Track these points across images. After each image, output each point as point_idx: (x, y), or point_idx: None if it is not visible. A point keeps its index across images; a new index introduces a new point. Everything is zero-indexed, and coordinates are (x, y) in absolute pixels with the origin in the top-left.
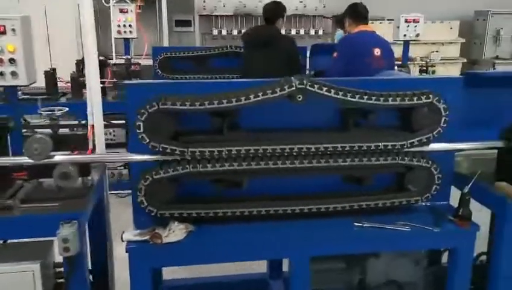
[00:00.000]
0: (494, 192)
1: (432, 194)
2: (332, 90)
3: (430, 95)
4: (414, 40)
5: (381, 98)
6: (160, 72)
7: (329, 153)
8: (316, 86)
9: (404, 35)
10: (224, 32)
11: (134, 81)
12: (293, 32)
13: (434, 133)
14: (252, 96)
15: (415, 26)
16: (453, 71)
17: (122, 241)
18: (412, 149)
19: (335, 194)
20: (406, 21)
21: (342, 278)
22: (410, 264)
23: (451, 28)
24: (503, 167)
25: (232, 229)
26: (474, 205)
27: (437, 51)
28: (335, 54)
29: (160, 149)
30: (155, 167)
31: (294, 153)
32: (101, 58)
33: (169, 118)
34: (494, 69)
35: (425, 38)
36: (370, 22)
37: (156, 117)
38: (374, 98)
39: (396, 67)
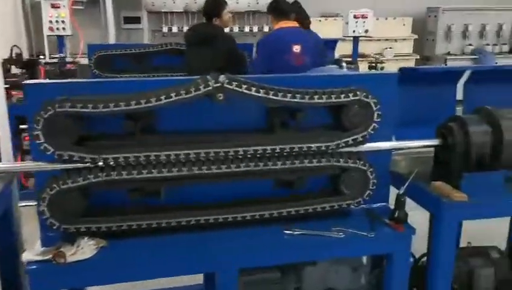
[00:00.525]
0: (430, 192)
1: (365, 197)
2: (253, 88)
3: (358, 92)
4: (363, 36)
5: (307, 96)
6: (96, 71)
7: (258, 157)
8: (234, 84)
9: (353, 31)
10: (174, 29)
11: (33, 81)
12: (247, 29)
13: (366, 132)
14: (163, 97)
15: (364, 22)
16: None
17: (22, 262)
18: (346, 149)
19: (263, 201)
20: (355, 17)
21: (276, 288)
22: (349, 271)
23: (404, 25)
24: (440, 166)
25: (149, 243)
26: None
27: (390, 48)
28: (254, 54)
29: (67, 157)
30: (62, 175)
31: (221, 158)
32: (41, 57)
33: (76, 121)
34: (446, 65)
35: (379, 35)
36: (324, 18)
37: (58, 121)
38: (298, 96)
39: (344, 64)
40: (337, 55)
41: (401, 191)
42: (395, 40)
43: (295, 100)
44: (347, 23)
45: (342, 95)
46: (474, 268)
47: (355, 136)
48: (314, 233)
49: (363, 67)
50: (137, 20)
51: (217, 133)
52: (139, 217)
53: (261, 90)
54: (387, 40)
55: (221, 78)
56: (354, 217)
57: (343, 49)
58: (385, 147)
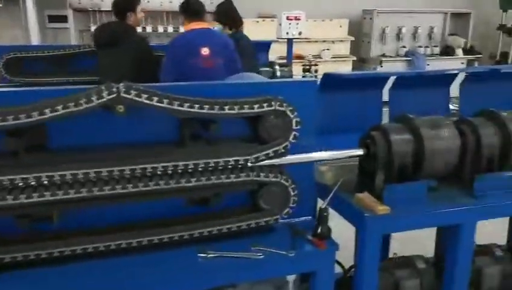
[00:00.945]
0: (353, 205)
1: (284, 214)
2: (155, 98)
3: (273, 101)
4: (297, 38)
5: (217, 107)
6: (8, 76)
7: (170, 173)
8: (133, 93)
9: (287, 33)
10: None
11: None
12: (179, 29)
13: (284, 144)
14: (48, 111)
15: (297, 24)
16: (344, 69)
17: None
18: (265, 163)
19: (172, 222)
20: (288, 18)
21: None
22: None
23: (340, 26)
24: (364, 176)
25: (39, 277)
26: None
27: (328, 49)
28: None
29: None
30: None
31: (126, 176)
32: None
33: None
34: (381, 66)
35: (317, 36)
36: (261, 19)
37: None
38: (207, 106)
39: (277, 67)
40: (272, 57)
41: (323, 205)
42: (333, 42)
43: (203, 111)
44: (280, 24)
45: (256, 105)
46: (399, 280)
47: (273, 149)
48: (230, 255)
49: (298, 70)
50: (63, 19)
51: (121, 148)
52: (25, 247)
53: (164, 100)
54: (324, 41)
55: (118, 87)
56: (277, 233)
57: (280, 51)
58: (306, 159)
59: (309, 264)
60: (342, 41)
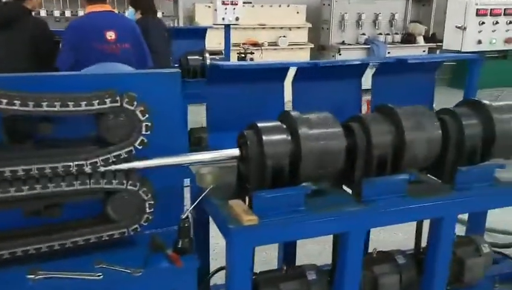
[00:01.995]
0: (221, 213)
1: (132, 228)
2: None
3: (106, 98)
4: (234, 24)
5: (31, 103)
6: None
7: None
8: None
9: (223, 18)
10: None
11: None
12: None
13: (131, 146)
14: None
15: (234, 9)
16: (302, 57)
17: None
18: (115, 167)
19: None
20: (223, 3)
21: None
22: None
23: (298, 13)
24: (241, 180)
25: None
26: None
27: (284, 36)
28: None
29: None
30: None
31: None
32: None
33: None
34: (340, 54)
35: (273, 23)
36: (203, 6)
37: None
38: (18, 102)
39: (207, 55)
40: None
41: (184, 215)
42: (289, 29)
43: (14, 108)
44: (216, 10)
45: (83, 102)
46: None
47: (120, 151)
48: (63, 276)
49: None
50: None
51: None
52: None
53: None
54: (281, 28)
55: None
56: (136, 246)
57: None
58: (170, 163)
59: (163, 283)
60: (299, 28)
